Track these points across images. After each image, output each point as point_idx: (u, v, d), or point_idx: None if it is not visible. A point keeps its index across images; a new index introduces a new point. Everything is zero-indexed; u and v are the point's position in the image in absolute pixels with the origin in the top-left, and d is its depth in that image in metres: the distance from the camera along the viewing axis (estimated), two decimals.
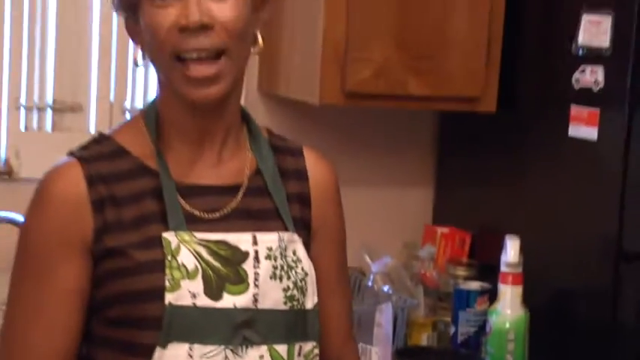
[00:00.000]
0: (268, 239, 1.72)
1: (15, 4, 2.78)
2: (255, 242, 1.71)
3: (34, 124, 2.86)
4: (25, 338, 1.68)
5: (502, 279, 2.69)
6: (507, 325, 2.67)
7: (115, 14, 2.73)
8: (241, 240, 1.70)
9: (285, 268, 1.72)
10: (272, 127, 1.87)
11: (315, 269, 1.78)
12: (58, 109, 2.87)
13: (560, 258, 2.76)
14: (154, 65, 1.71)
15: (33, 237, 1.69)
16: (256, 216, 1.74)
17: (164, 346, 1.64)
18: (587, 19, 2.67)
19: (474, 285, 2.88)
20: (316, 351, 1.77)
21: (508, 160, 2.96)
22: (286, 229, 1.76)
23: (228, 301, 1.66)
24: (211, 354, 1.65)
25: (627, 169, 2.59)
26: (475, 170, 3.09)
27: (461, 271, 2.95)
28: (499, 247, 2.70)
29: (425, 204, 3.21)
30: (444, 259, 3.05)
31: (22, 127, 2.85)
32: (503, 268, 2.68)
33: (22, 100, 2.83)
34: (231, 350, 1.66)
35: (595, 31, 2.65)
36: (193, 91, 1.65)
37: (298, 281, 1.73)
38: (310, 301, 1.75)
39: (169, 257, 1.65)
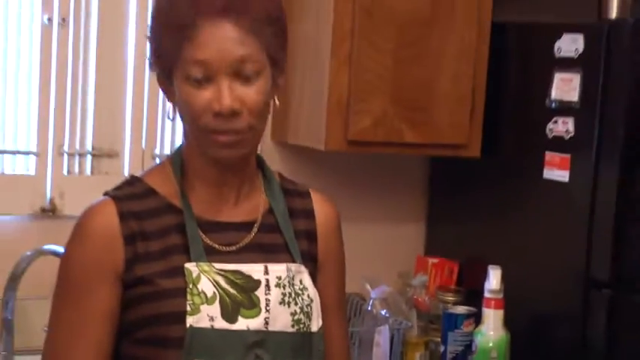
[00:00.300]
0: (278, 269, 1.73)
1: (60, 61, 2.76)
2: (266, 272, 1.72)
3: (76, 169, 2.84)
4: (65, 356, 1.71)
5: (486, 304, 2.70)
6: (491, 345, 2.68)
7: (147, 72, 2.85)
8: (254, 270, 1.72)
9: (293, 295, 1.73)
10: (283, 171, 1.91)
11: (321, 297, 1.79)
12: (97, 155, 2.85)
13: (537, 285, 2.76)
14: (184, 123, 1.73)
15: (72, 266, 1.72)
16: (268, 249, 1.75)
17: None
18: (559, 77, 2.70)
19: (461, 309, 2.87)
20: None
21: (491, 199, 2.96)
22: (294, 261, 1.77)
23: (242, 323, 1.68)
24: None
25: (595, 207, 2.60)
26: (462, 208, 3.10)
27: (449, 297, 2.94)
28: (483, 276, 2.71)
29: (417, 238, 3.22)
30: (434, 287, 3.04)
31: (65, 172, 2.82)
32: (486, 295, 2.69)
33: (65, 148, 2.80)
34: None
35: (566, 87, 2.68)
36: (219, 152, 1.68)
37: (304, 307, 1.74)
38: (315, 325, 1.76)
39: (191, 285, 1.67)
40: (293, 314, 1.73)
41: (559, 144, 2.69)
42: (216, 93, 1.64)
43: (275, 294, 1.72)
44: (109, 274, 1.68)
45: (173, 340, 1.66)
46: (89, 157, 2.86)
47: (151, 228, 1.71)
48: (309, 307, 1.75)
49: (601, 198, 2.60)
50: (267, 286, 1.72)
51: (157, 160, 2.90)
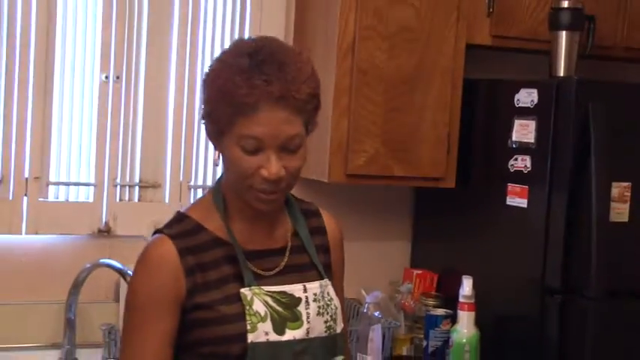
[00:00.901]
0: (313, 287, 1.72)
1: (114, 111, 2.77)
2: (305, 290, 1.71)
3: (126, 197, 2.83)
4: None
5: (460, 307, 2.70)
6: (464, 340, 2.67)
7: (184, 119, 2.88)
8: (295, 289, 1.70)
9: (324, 306, 1.72)
10: None
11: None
12: (143, 186, 2.84)
13: (502, 292, 2.75)
14: (227, 170, 1.67)
15: (140, 295, 1.67)
16: (300, 269, 1.73)
17: None
18: (518, 123, 2.69)
19: (440, 311, 2.87)
20: None
21: (464, 221, 2.95)
22: (321, 277, 1.75)
23: (289, 334, 1.66)
24: None
25: (548, 228, 2.60)
26: (440, 229, 3.08)
27: (430, 301, 2.94)
28: (458, 284, 2.71)
29: (404, 253, 3.20)
30: (418, 293, 3.02)
31: (117, 199, 2.81)
32: (461, 299, 2.70)
33: (118, 180, 2.80)
34: None
35: (524, 131, 2.67)
36: (258, 205, 1.65)
37: (332, 314, 1.73)
38: (339, 327, 1.75)
39: (247, 307, 1.64)
40: (326, 322, 1.72)
41: (519, 177, 2.70)
42: (265, 162, 1.60)
43: (313, 307, 1.70)
44: (171, 303, 1.64)
45: (235, 356, 1.63)
46: (137, 187, 2.84)
47: (205, 260, 1.66)
48: (335, 314, 1.74)
49: (553, 221, 2.60)
50: (307, 302, 1.70)
51: (192, 191, 2.90)
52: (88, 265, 2.67)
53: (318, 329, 1.70)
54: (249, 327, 1.63)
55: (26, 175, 2.71)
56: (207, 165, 2.94)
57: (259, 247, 1.72)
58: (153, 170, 2.87)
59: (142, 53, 2.82)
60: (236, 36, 2.94)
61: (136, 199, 2.86)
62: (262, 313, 1.65)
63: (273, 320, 1.65)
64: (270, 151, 1.60)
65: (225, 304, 1.64)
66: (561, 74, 2.80)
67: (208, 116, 1.66)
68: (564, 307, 2.58)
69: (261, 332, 1.64)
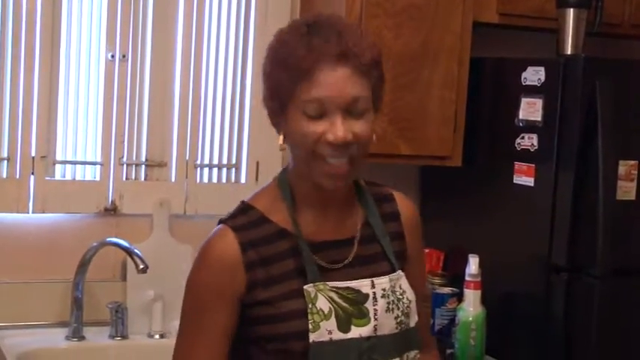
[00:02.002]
0: (382, 282, 1.65)
1: (120, 89, 2.77)
2: (372, 286, 1.64)
3: (132, 176, 2.83)
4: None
5: (466, 285, 2.66)
6: (470, 319, 2.64)
7: (190, 97, 2.88)
8: (362, 285, 1.63)
9: (395, 301, 1.66)
10: None
11: (412, 286, 1.71)
12: (149, 164, 2.85)
13: (508, 270, 2.76)
14: (295, 156, 1.61)
15: (197, 288, 1.64)
16: (370, 261, 1.66)
17: None
18: (525, 101, 2.69)
19: (447, 290, 2.86)
20: (418, 355, 1.71)
21: (470, 200, 2.95)
22: (393, 269, 1.68)
23: (355, 332, 1.60)
24: None
25: (555, 206, 2.61)
26: (447, 208, 3.09)
27: (437, 280, 2.91)
28: (464, 263, 2.68)
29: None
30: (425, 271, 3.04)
31: (123, 178, 2.81)
32: (467, 278, 2.66)
33: (124, 159, 2.81)
34: None
35: (531, 109, 2.67)
36: (327, 182, 1.58)
37: (404, 308, 1.67)
38: (413, 321, 1.69)
39: (310, 305, 1.58)
40: (396, 318, 1.66)
41: (526, 156, 2.70)
42: (331, 126, 1.53)
43: (381, 304, 1.64)
44: (229, 297, 1.60)
45: (297, 354, 1.59)
46: (143, 166, 2.85)
47: (268, 254, 1.61)
48: (408, 308, 1.68)
49: (560, 199, 2.60)
50: (374, 298, 1.63)
51: (198, 170, 2.90)
52: (95, 244, 2.69)
53: (388, 326, 1.64)
54: (311, 326, 1.57)
55: (33, 154, 2.72)
56: (213, 144, 2.95)
57: (327, 237, 1.65)
58: (159, 149, 2.88)
59: (148, 32, 2.82)
60: (242, 15, 2.94)
61: (143, 178, 2.86)
62: (326, 311, 1.59)
63: (337, 317, 1.59)
64: (335, 115, 1.53)
65: (287, 301, 1.59)
66: (569, 52, 2.80)
67: (270, 94, 1.61)
68: (570, 285, 2.59)
69: (324, 331, 1.58)
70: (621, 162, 2.57)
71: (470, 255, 2.69)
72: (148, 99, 2.84)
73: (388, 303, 1.65)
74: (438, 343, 2.69)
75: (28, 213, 2.73)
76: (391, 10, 2.73)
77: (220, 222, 1.65)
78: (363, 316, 1.61)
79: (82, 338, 2.69)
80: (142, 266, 2.59)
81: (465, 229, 2.98)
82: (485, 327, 2.68)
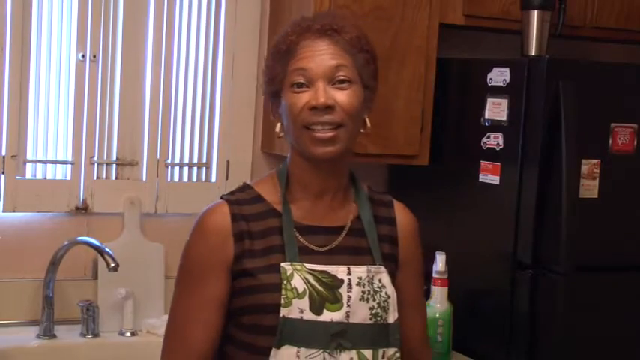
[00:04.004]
0: (359, 270, 1.67)
1: (91, 89, 2.75)
2: (349, 273, 1.66)
3: (104, 175, 2.82)
4: (185, 329, 1.66)
5: (433, 282, 2.70)
6: (437, 315, 2.67)
7: (161, 97, 2.87)
8: (339, 270, 1.66)
9: (372, 292, 1.67)
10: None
11: (402, 292, 1.73)
12: (120, 164, 2.84)
13: (474, 267, 2.77)
14: (289, 134, 1.67)
15: (191, 258, 1.68)
16: (353, 252, 1.70)
17: (278, 347, 1.61)
18: (490, 102, 2.71)
19: None
20: (398, 355, 1.71)
21: (437, 198, 2.95)
22: (374, 263, 1.70)
23: (327, 316, 1.63)
24: (313, 355, 1.62)
25: (519, 205, 2.62)
26: (415, 206, 2.96)
27: None
28: (431, 260, 2.70)
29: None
30: None
31: (94, 177, 2.79)
32: (434, 275, 2.70)
33: (95, 158, 2.80)
34: (329, 353, 1.63)
35: (496, 109, 2.69)
36: (316, 150, 1.63)
37: (382, 302, 1.68)
38: (392, 317, 1.70)
39: (285, 281, 1.62)
40: (371, 309, 1.67)
41: (491, 155, 2.71)
42: (314, 93, 1.61)
43: (356, 291, 1.66)
44: (221, 266, 1.65)
45: (267, 328, 1.62)
46: (114, 165, 2.84)
47: (256, 228, 1.66)
48: (386, 303, 1.69)
49: (524, 197, 2.61)
50: (349, 284, 1.66)
51: (169, 168, 2.89)
52: (66, 243, 2.67)
53: (361, 315, 1.66)
54: (283, 301, 1.61)
55: (3, 153, 2.70)
56: (183, 143, 2.94)
57: (317, 223, 1.70)
58: (130, 148, 2.86)
59: (118, 32, 2.80)
60: (212, 14, 2.93)
61: (114, 177, 2.85)
62: (300, 290, 1.62)
63: (311, 298, 1.62)
64: (318, 83, 1.62)
65: (266, 274, 1.64)
66: (533, 53, 2.81)
67: (267, 85, 1.70)
68: (535, 282, 2.60)
69: (295, 308, 1.61)
70: (584, 161, 2.59)
71: (437, 252, 2.72)
72: (118, 99, 2.83)
73: (363, 292, 1.67)
74: None
75: None
76: (359, 12, 2.73)
77: (220, 198, 1.72)
78: (336, 301, 1.64)
79: (53, 336, 2.67)
80: (112, 265, 2.57)
81: (432, 227, 2.90)
82: (452, 323, 2.70)
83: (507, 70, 2.66)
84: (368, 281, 1.68)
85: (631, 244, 2.72)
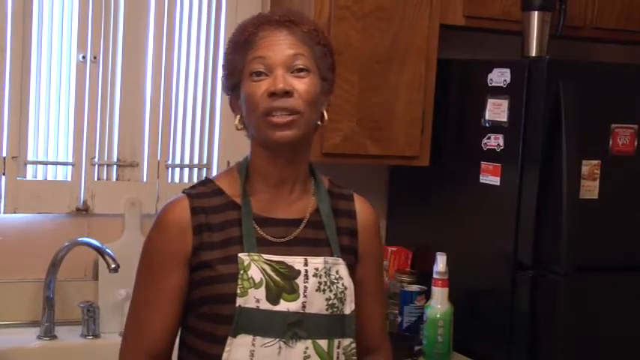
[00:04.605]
0: (316, 262, 1.70)
1: (92, 91, 2.75)
2: (305, 264, 1.69)
3: (104, 176, 2.82)
4: (143, 319, 1.70)
5: (434, 283, 2.70)
6: (438, 316, 2.67)
7: (162, 98, 2.87)
8: (295, 262, 1.69)
9: (328, 283, 1.70)
10: None
11: (362, 284, 1.76)
12: (121, 165, 2.84)
13: (475, 268, 2.78)
14: (249, 125, 1.70)
15: (151, 250, 1.73)
16: (311, 243, 1.72)
17: (234, 336, 1.64)
18: (491, 102, 2.70)
19: (415, 287, 2.87)
20: (353, 345, 1.73)
21: (438, 199, 2.95)
22: (332, 255, 1.72)
23: (283, 305, 1.65)
24: (269, 344, 1.64)
25: (520, 205, 2.62)
26: (415, 207, 3.09)
27: (405, 278, 2.93)
28: (432, 261, 2.71)
29: (380, 230, 3.19)
30: (393, 270, 3.02)
31: (95, 178, 2.80)
32: (435, 276, 2.70)
33: (96, 159, 2.80)
34: (284, 342, 1.65)
35: (497, 110, 2.69)
36: (274, 134, 1.65)
37: (338, 293, 1.70)
38: (348, 308, 1.72)
39: (242, 272, 1.65)
40: (327, 299, 1.69)
41: (492, 155, 2.71)
42: (273, 81, 1.64)
43: (312, 282, 1.68)
44: (180, 258, 1.68)
45: (225, 317, 1.64)
46: (115, 166, 2.84)
47: (215, 221, 1.69)
48: (342, 294, 1.71)
49: (525, 198, 2.61)
50: (306, 275, 1.68)
51: (170, 169, 2.89)
52: (67, 244, 2.67)
53: (318, 305, 1.68)
54: (239, 291, 1.63)
55: (4, 154, 2.70)
56: (184, 144, 2.94)
57: (276, 215, 1.72)
58: (131, 149, 2.86)
59: (119, 33, 2.80)
60: (213, 16, 2.93)
61: (114, 178, 2.85)
62: (257, 280, 1.65)
63: (267, 288, 1.65)
64: (277, 71, 1.65)
65: (223, 265, 1.66)
66: (533, 54, 2.81)
67: (226, 78, 1.73)
68: (535, 282, 2.59)
69: (252, 298, 1.64)
70: (584, 162, 2.59)
71: (437, 253, 2.72)
72: (119, 100, 2.83)
73: (320, 283, 1.69)
74: (405, 340, 2.75)
75: None
76: (359, 13, 2.73)
77: (182, 192, 1.74)
78: (293, 292, 1.67)
79: (53, 337, 2.67)
80: (113, 266, 2.57)
81: (433, 228, 2.99)
82: (453, 323, 2.69)
83: (508, 70, 2.66)
84: (325, 272, 1.70)
85: (631, 244, 2.72)
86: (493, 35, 3.09)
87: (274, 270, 1.67)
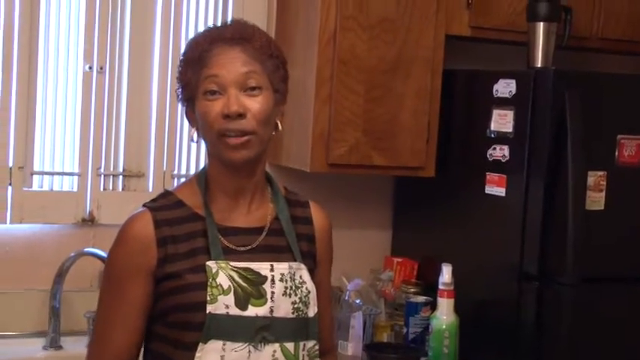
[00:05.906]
0: (281, 267, 1.73)
1: (98, 101, 2.77)
2: (272, 269, 1.72)
3: (110, 186, 2.83)
4: (107, 334, 1.72)
5: (440, 294, 2.70)
6: (444, 327, 2.67)
7: (167, 109, 2.88)
8: (262, 268, 1.71)
9: (293, 287, 1.73)
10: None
11: (319, 288, 1.79)
12: (127, 175, 2.85)
13: (480, 279, 2.77)
14: (205, 140, 1.74)
15: (114, 265, 1.74)
16: (274, 250, 1.75)
17: (205, 342, 1.66)
18: (496, 113, 2.70)
19: (420, 298, 2.88)
20: (316, 347, 1.78)
21: (443, 210, 2.94)
22: (295, 260, 1.76)
23: (251, 311, 1.68)
24: (239, 348, 1.67)
25: (525, 216, 2.61)
26: (420, 217, 3.09)
27: (411, 289, 2.94)
28: (437, 272, 2.71)
29: (385, 241, 3.20)
30: (399, 281, 3.03)
31: (101, 188, 2.81)
32: (440, 287, 2.69)
33: (102, 170, 2.81)
34: (253, 346, 1.68)
35: (502, 121, 2.69)
36: (230, 154, 1.69)
37: (303, 297, 1.74)
38: (312, 311, 1.76)
39: (210, 279, 1.67)
40: (293, 303, 1.73)
41: (497, 166, 2.70)
42: (226, 101, 1.67)
43: (279, 287, 1.71)
44: (143, 272, 1.69)
45: (195, 325, 1.66)
46: (121, 177, 2.85)
47: (179, 232, 1.70)
48: (306, 298, 1.75)
49: (530, 209, 2.60)
50: (273, 280, 1.71)
51: (175, 180, 2.90)
52: (73, 254, 2.68)
53: (284, 309, 1.71)
54: (209, 298, 1.66)
55: (10, 164, 2.70)
56: (190, 154, 2.95)
57: (237, 224, 1.75)
58: (136, 160, 2.87)
59: (125, 44, 2.82)
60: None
61: (120, 189, 2.86)
62: (225, 287, 1.67)
63: (236, 295, 1.68)
64: (229, 91, 1.67)
65: (191, 274, 1.68)
66: (539, 65, 2.81)
67: (181, 88, 1.75)
68: (541, 293, 2.59)
69: (221, 304, 1.66)
70: (590, 172, 2.59)
71: (443, 264, 2.71)
72: (125, 110, 2.84)
73: (286, 288, 1.72)
74: (411, 351, 2.76)
75: (5, 223, 2.71)
76: (365, 24, 2.74)
77: (143, 206, 1.76)
78: (260, 297, 1.70)
79: (59, 348, 2.68)
80: None
81: (438, 239, 2.98)
82: (458, 335, 2.69)
83: (513, 81, 2.66)
84: (290, 277, 1.73)
85: (637, 255, 2.71)
86: (499, 46, 3.09)
87: (241, 277, 1.69)
